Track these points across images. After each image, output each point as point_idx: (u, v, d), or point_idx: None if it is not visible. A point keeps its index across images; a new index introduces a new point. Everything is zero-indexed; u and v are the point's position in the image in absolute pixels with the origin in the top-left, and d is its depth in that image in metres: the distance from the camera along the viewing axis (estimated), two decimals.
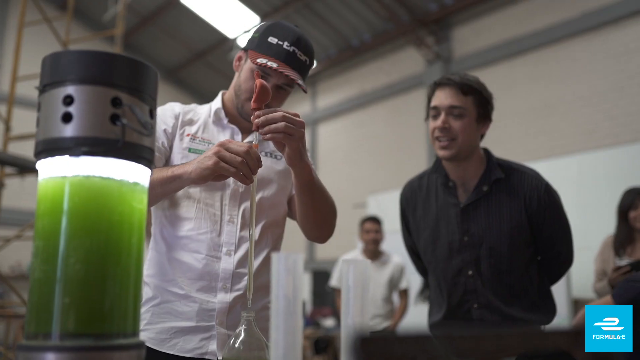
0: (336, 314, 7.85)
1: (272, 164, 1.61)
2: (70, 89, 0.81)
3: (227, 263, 1.46)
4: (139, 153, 0.84)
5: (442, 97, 1.98)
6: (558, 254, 2.05)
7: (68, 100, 0.81)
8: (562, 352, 0.63)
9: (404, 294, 5.09)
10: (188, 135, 1.57)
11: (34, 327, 0.79)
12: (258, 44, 1.52)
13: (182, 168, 1.32)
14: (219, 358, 1.39)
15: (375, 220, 5.18)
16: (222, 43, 11.04)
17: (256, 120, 1.28)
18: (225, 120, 1.62)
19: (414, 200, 2.19)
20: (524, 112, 7.93)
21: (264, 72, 1.50)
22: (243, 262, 1.48)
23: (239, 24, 10.39)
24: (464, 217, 2.02)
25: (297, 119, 1.30)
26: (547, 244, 2.02)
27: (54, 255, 0.79)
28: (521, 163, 2.17)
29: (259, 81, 1.31)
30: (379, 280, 4.97)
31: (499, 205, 2.00)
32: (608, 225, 3.78)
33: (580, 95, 7.32)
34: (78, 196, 0.80)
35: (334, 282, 5.39)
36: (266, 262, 1.55)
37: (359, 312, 0.84)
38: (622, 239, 3.57)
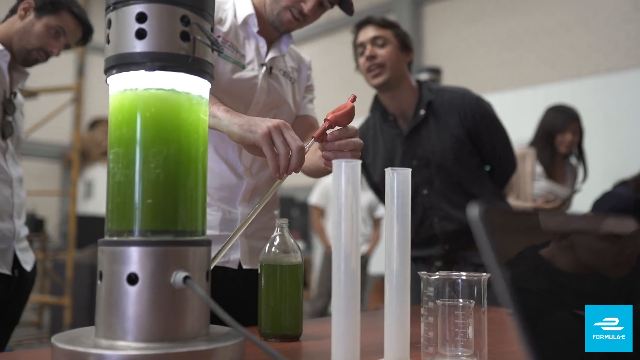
0: (305, 237, 8.06)
1: (287, 87, 1.58)
2: (142, 7, 0.87)
3: (250, 179, 1.51)
4: (205, 68, 0.91)
5: (365, 33, 2.20)
6: (500, 159, 2.28)
7: (141, 17, 0.87)
8: None
9: (378, 222, 5.26)
10: (219, 37, 1.45)
11: (117, 226, 0.88)
12: None
13: (228, 113, 1.20)
14: (242, 266, 1.48)
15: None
16: None
17: (329, 144, 1.17)
18: (255, 29, 1.52)
19: (365, 142, 2.41)
20: (490, 43, 8.03)
21: None
22: (261, 178, 1.53)
23: None
24: (409, 144, 2.23)
25: (359, 142, 1.20)
26: (489, 152, 2.25)
27: (135, 161, 0.86)
28: (458, 87, 2.36)
29: (351, 105, 1.20)
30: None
31: (437, 126, 2.21)
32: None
33: (546, 27, 7.44)
34: (154, 107, 0.87)
35: (314, 200, 5.38)
36: (273, 181, 1.60)
37: (402, 220, 0.95)
38: (547, 164, 3.28)
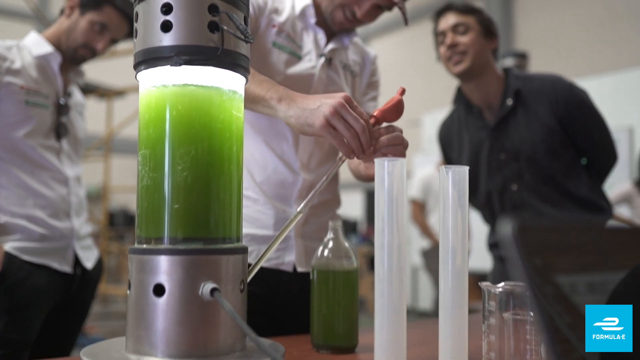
0: None
1: (348, 80, 1.50)
2: None
3: (307, 174, 1.43)
4: (237, 61, 0.84)
5: (445, 20, 2.07)
6: (597, 150, 2.07)
7: (166, 8, 0.81)
8: None
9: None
10: (274, 26, 1.40)
11: (145, 232, 0.82)
12: None
13: (282, 103, 1.10)
14: (297, 269, 1.40)
15: None
16: None
17: (380, 138, 1.07)
18: (313, 21, 1.45)
19: (449, 136, 2.26)
20: (587, 23, 7.54)
21: None
22: (320, 174, 1.45)
23: None
24: (496, 136, 2.07)
25: (406, 141, 1.10)
26: (585, 143, 2.04)
27: (162, 163, 0.81)
28: (549, 73, 2.17)
29: (399, 97, 1.09)
30: None
31: (526, 116, 2.03)
32: None
33: None
34: (181, 104, 0.81)
35: (414, 193, 5.18)
36: (333, 178, 1.50)
37: (460, 223, 0.84)
38: None
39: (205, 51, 0.81)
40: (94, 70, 7.11)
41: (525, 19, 8.36)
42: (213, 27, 0.81)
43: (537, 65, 5.14)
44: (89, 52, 1.73)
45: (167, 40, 0.80)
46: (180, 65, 0.80)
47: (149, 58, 0.82)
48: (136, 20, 0.85)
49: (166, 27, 0.80)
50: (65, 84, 1.75)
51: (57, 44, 1.71)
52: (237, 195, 0.86)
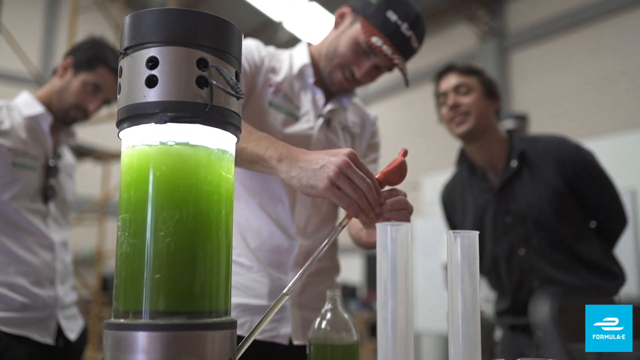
0: None
1: (347, 141, 1.46)
2: (153, 51, 0.75)
3: (304, 240, 1.36)
4: (227, 118, 0.78)
5: (447, 81, 2.05)
6: (607, 213, 2.01)
7: (152, 63, 0.75)
8: None
9: None
10: (271, 86, 1.37)
11: (123, 305, 0.74)
12: (374, 14, 1.33)
13: (283, 163, 1.03)
14: (293, 342, 1.31)
15: None
16: (267, 27, 10.96)
17: (386, 201, 0.99)
18: (311, 80, 1.42)
19: (453, 200, 2.21)
20: (582, 86, 7.63)
21: (370, 50, 1.34)
22: (317, 239, 1.38)
23: (284, 7, 10.27)
24: (501, 199, 2.01)
25: (411, 205, 1.02)
26: (594, 206, 1.99)
27: (143, 229, 0.73)
28: (555, 134, 2.13)
29: (401, 159, 1.01)
30: None
31: (532, 178, 1.98)
32: None
33: None
34: (165, 165, 0.75)
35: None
36: (332, 244, 1.42)
37: (470, 290, 0.76)
38: None
39: (192, 107, 0.75)
40: (90, 133, 7.11)
41: (521, 82, 8.46)
42: (202, 82, 0.76)
43: (534, 128, 5.14)
44: (81, 113, 1.69)
45: (152, 96, 0.75)
46: (165, 122, 0.74)
47: (132, 115, 0.76)
48: (120, 76, 0.79)
49: (151, 82, 0.75)
50: (55, 145, 1.70)
51: (48, 104, 1.68)
52: (226, 263, 0.78)
